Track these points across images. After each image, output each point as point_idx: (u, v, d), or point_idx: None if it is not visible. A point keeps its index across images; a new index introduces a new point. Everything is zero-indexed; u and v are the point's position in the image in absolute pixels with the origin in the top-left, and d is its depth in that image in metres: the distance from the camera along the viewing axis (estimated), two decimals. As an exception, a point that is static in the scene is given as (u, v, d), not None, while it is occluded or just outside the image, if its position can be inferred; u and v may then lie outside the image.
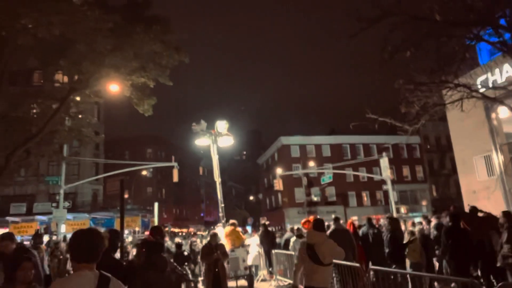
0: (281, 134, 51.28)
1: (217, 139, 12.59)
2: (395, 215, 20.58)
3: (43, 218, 25.43)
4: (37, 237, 16.52)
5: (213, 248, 7.94)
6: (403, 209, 32.54)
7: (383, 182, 28.12)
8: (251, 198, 78.65)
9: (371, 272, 8.31)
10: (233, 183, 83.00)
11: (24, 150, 14.73)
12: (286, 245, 11.46)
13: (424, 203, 48.80)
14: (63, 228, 20.61)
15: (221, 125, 12.70)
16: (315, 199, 43.79)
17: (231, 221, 11.24)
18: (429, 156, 51.42)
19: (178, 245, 10.86)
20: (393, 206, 23.37)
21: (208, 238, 9.04)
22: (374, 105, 12.24)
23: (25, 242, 22.35)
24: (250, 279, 10.14)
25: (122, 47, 13.59)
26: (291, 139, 50.57)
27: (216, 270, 7.71)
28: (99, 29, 12.30)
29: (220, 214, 12.02)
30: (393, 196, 24.39)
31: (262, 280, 12.02)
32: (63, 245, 13.69)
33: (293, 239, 10.74)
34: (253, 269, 11.72)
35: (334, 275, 9.18)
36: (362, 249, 9.64)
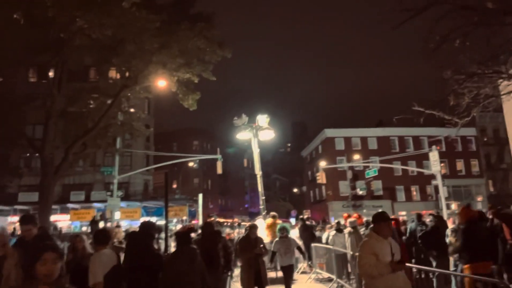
0: (326, 126, 50.56)
1: (258, 133, 12.81)
2: (445, 211, 19.71)
3: (100, 205, 27.27)
4: (93, 223, 17.86)
5: (252, 241, 7.19)
6: (453, 205, 30.89)
7: (434, 176, 26.93)
8: (295, 190, 78.52)
9: (414, 270, 8.17)
10: (277, 175, 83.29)
11: (82, 143, 15.91)
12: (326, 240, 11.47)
13: (479, 199, 45.94)
14: (117, 215, 22.02)
15: (262, 119, 12.88)
16: (360, 192, 42.86)
17: (272, 213, 11.44)
18: (486, 149, 48.17)
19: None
20: (443, 202, 22.30)
21: (246, 231, 8.72)
22: (421, 97, 11.80)
23: (83, 228, 24.23)
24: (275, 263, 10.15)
25: (168, 45, 14.20)
26: (336, 131, 49.67)
27: (256, 266, 6.96)
28: (147, 29, 12.95)
29: (261, 206, 12.27)
30: (443, 192, 23.29)
31: (302, 272, 12.16)
32: (118, 231, 14.60)
33: (332, 233, 10.73)
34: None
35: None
36: (404, 246, 9.43)
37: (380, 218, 4.23)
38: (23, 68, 29.65)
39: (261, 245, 7.20)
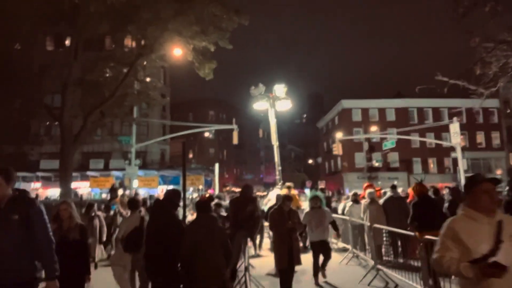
0: (342, 97, 49.67)
1: (275, 103, 12.63)
2: (463, 184, 19.41)
3: (118, 173, 27.91)
4: (112, 191, 18.32)
5: (285, 214, 6.37)
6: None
7: (453, 148, 26.40)
8: (310, 161, 78.58)
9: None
10: (292, 146, 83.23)
11: (99, 112, 16.05)
12: (342, 211, 11.49)
13: (498, 172, 45.08)
14: (135, 184, 22.53)
15: (279, 89, 12.67)
16: (376, 164, 42.58)
17: (287, 183, 11.44)
18: (509, 121, 46.72)
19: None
20: (462, 175, 21.96)
21: (275, 201, 8.18)
22: (444, 68, 11.35)
23: (103, 195, 24.91)
24: (304, 240, 10.27)
25: (184, 12, 13.87)
26: (353, 102, 48.82)
27: (289, 242, 6.20)
28: (162, -6, 12.64)
29: (277, 177, 12.29)
30: (462, 164, 22.89)
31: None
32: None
33: (349, 203, 10.71)
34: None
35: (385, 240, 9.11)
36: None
37: (473, 183, 2.68)
38: (40, 37, 29.70)
39: (296, 220, 6.51)
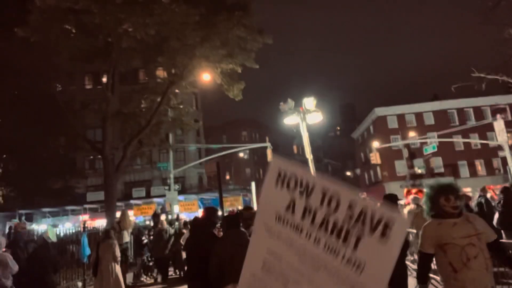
0: (375, 105, 48.66)
1: (305, 116, 12.58)
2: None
3: (160, 200, 28.62)
4: (155, 216, 18.76)
5: None
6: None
7: (500, 148, 24.92)
8: (348, 173, 76.89)
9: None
10: (329, 160, 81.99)
11: (138, 141, 16.73)
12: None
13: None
14: (176, 208, 22.98)
15: (309, 102, 12.61)
16: (419, 171, 40.89)
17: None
18: (560, 113, 43.62)
19: None
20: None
21: None
22: (479, 65, 10.91)
23: (146, 222, 25.59)
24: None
25: (209, 37, 14.36)
26: (387, 110, 47.59)
27: None
28: (187, 23, 13.18)
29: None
30: (512, 163, 21.52)
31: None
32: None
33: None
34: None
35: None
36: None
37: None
38: (80, 77, 31.64)
39: None
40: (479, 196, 9.21)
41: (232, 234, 4.33)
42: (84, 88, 34.85)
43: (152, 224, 17.59)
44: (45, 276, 5.55)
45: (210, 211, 5.07)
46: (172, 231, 11.48)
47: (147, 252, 12.02)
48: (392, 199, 4.74)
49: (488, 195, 9.52)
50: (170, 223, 13.12)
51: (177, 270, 11.78)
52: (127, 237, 11.82)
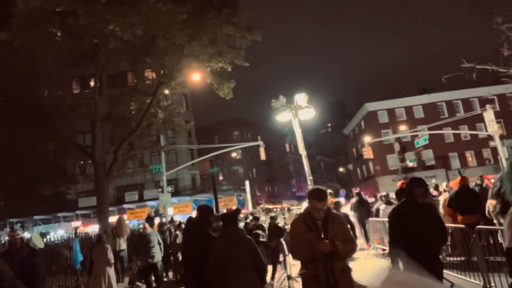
0: (365, 101, 48.95)
1: (297, 113, 12.49)
2: None
3: (153, 203, 28.38)
4: (149, 220, 18.52)
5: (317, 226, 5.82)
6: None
7: (490, 138, 25.20)
8: (341, 169, 77.27)
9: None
10: (321, 156, 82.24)
11: (128, 144, 16.47)
12: (377, 214, 11.05)
13: (544, 157, 42.52)
14: (170, 211, 22.74)
15: (300, 98, 12.51)
16: (410, 164, 41.21)
17: (329, 190, 11.12)
18: (547, 103, 44.31)
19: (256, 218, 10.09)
20: (504, 164, 20.81)
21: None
22: (468, 56, 10.91)
23: (140, 226, 25.33)
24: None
25: (198, 36, 14.17)
26: (377, 104, 47.91)
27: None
28: (175, 22, 12.98)
29: (309, 187, 12.02)
30: (503, 152, 21.74)
31: (360, 249, 11.82)
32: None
33: (382, 206, 10.30)
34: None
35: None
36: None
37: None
38: (67, 81, 31.17)
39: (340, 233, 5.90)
40: (476, 185, 9.23)
41: (229, 232, 4.22)
42: (72, 93, 34.35)
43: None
44: (36, 283, 5.38)
45: (204, 209, 4.95)
46: (160, 236, 10.12)
47: None
48: (420, 184, 4.09)
49: (484, 184, 9.58)
50: (160, 226, 12.78)
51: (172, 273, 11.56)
52: (123, 245, 11.55)
